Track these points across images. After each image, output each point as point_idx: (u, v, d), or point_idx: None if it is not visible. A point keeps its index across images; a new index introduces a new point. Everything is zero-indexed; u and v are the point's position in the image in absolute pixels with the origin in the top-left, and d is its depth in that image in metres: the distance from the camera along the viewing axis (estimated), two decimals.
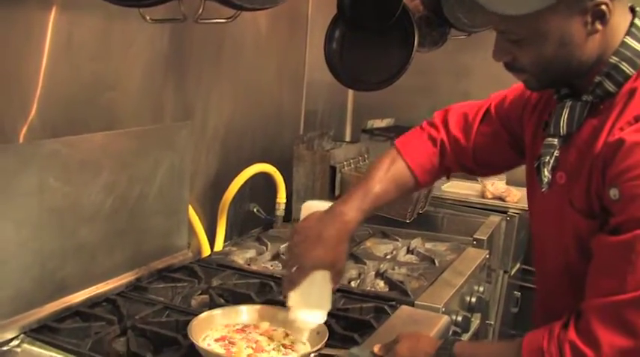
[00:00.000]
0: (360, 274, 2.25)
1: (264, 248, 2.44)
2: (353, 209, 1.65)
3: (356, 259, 2.35)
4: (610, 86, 1.36)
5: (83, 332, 1.77)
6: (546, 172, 1.46)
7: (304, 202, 2.79)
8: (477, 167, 1.83)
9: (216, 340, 1.65)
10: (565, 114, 1.42)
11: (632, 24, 1.37)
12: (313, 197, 2.82)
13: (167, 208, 2.19)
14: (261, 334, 1.71)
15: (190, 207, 2.33)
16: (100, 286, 1.96)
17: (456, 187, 3.45)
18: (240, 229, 2.72)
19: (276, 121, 2.99)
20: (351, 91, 3.67)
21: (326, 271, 1.63)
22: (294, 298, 1.67)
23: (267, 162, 2.69)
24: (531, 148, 1.60)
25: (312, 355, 1.57)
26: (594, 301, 1.30)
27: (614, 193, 1.27)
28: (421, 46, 2.99)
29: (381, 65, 2.84)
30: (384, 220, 2.86)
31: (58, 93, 1.87)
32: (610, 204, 1.30)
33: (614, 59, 1.36)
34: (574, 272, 1.44)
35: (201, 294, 2.04)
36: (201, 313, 1.76)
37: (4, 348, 1.68)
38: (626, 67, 1.35)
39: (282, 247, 2.42)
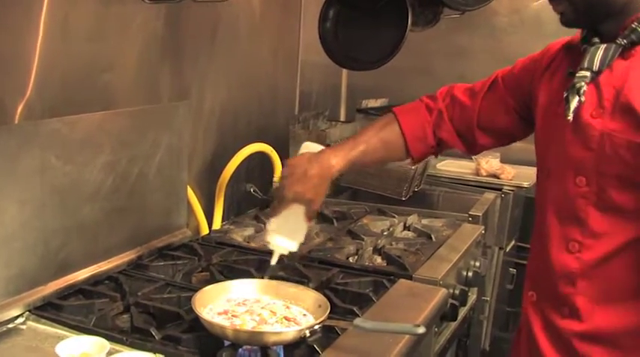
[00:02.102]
0: (357, 250, 2.27)
1: (263, 226, 2.46)
2: (339, 157, 1.81)
3: (353, 235, 2.38)
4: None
5: (87, 309, 1.79)
6: (575, 102, 1.51)
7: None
8: (477, 133, 1.88)
9: (219, 314, 1.68)
10: (599, 53, 1.50)
11: None
12: None
13: (166, 186, 2.21)
14: (262, 308, 1.73)
15: (188, 187, 2.35)
16: (102, 265, 1.99)
17: (451, 166, 3.48)
18: (238, 209, 2.74)
19: (272, 101, 3.00)
20: (345, 72, 3.69)
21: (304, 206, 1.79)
22: (273, 224, 1.83)
23: (262, 142, 2.71)
24: (547, 101, 1.68)
25: (316, 326, 1.60)
26: None
27: None
28: (415, 25, 3.01)
29: (375, 44, 2.86)
30: (380, 198, 2.89)
31: (55, 73, 1.88)
32: None
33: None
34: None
35: (201, 271, 2.07)
36: (202, 288, 1.78)
37: (10, 325, 1.70)
38: None
39: None
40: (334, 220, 2.57)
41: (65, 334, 1.65)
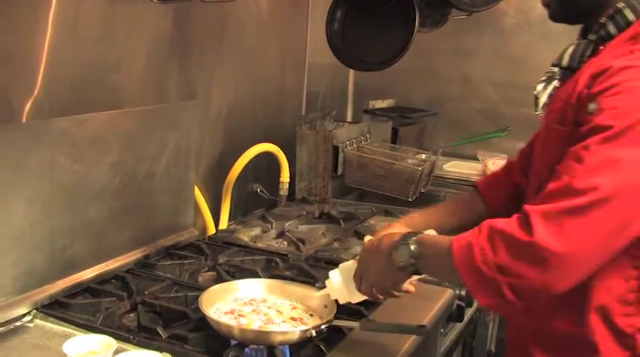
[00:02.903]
0: None
1: (269, 226, 2.47)
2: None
3: (360, 236, 2.38)
4: (612, 29, 1.41)
5: (94, 308, 1.79)
6: (545, 97, 1.49)
7: (307, 181, 2.83)
8: None
9: (226, 313, 1.68)
10: (570, 49, 1.48)
11: None
12: (316, 177, 2.85)
13: (173, 186, 2.21)
14: (269, 307, 1.73)
15: (195, 187, 2.36)
16: (109, 263, 1.99)
17: (458, 167, 3.48)
18: (244, 209, 2.74)
19: (279, 101, 3.01)
20: (352, 73, 3.69)
21: None
22: (345, 267, 1.67)
23: (269, 142, 2.71)
24: None
25: (323, 326, 1.60)
26: (538, 205, 1.29)
27: (592, 107, 1.30)
28: (422, 26, 3.01)
29: (382, 45, 2.85)
30: (387, 198, 2.89)
31: (63, 72, 1.89)
32: (585, 117, 1.32)
33: (620, 4, 1.40)
34: None
35: (208, 270, 2.07)
36: (209, 287, 1.78)
37: (17, 323, 1.71)
38: (628, 12, 1.40)
39: (287, 224, 2.45)
40: (341, 221, 2.57)
41: (72, 333, 1.66)
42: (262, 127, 2.84)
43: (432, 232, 1.56)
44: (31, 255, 1.76)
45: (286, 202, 2.81)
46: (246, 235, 2.39)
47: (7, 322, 1.69)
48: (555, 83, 1.49)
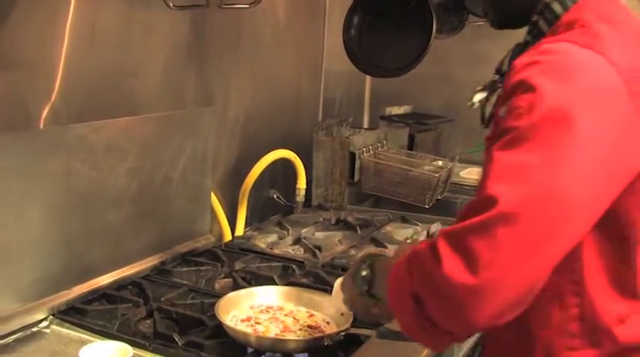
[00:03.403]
0: None
1: (286, 233, 2.46)
2: None
3: (377, 242, 2.37)
4: (543, 26, 1.30)
5: (110, 314, 1.79)
6: (489, 109, 1.43)
7: (324, 188, 2.83)
8: None
9: (242, 321, 1.68)
10: (510, 54, 1.40)
11: None
12: (332, 183, 2.85)
13: (190, 192, 2.21)
14: (286, 315, 1.73)
15: (212, 193, 2.35)
16: (126, 270, 1.99)
17: (475, 173, 3.46)
18: (261, 215, 2.74)
19: (295, 108, 3.00)
20: (368, 79, 3.68)
21: None
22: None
23: (286, 148, 2.71)
24: None
25: (340, 334, 1.59)
26: (449, 226, 1.16)
27: (502, 111, 1.18)
28: (439, 32, 3.00)
29: (399, 52, 2.85)
30: (403, 205, 2.88)
31: (81, 78, 1.89)
32: (500, 123, 1.18)
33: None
34: None
35: (224, 277, 2.07)
36: (225, 295, 1.78)
37: (34, 329, 1.71)
38: (556, 6, 1.28)
39: (304, 231, 2.44)
40: (357, 228, 2.56)
41: (89, 339, 1.66)
42: (279, 134, 2.84)
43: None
44: (48, 261, 1.76)
45: (303, 209, 2.80)
46: (262, 242, 2.39)
47: (23, 327, 1.69)
48: (500, 91, 1.38)
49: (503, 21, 1.43)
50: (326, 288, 1.92)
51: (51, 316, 1.75)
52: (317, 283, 2.00)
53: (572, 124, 1.07)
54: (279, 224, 2.58)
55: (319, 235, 2.49)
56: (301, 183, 2.78)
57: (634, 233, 1.20)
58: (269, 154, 2.61)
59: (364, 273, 1.40)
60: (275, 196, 2.80)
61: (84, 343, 1.61)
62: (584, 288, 1.21)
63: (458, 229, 1.10)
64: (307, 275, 2.07)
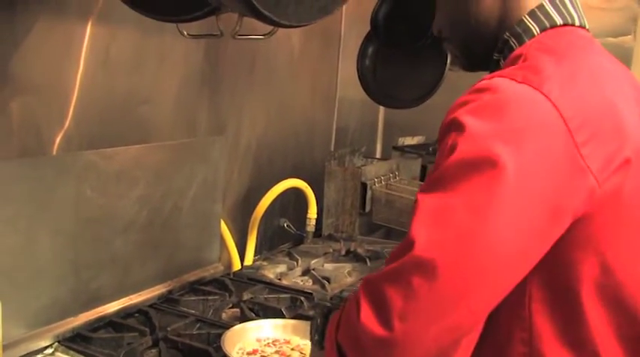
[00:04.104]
0: None
1: (295, 263, 2.45)
2: None
3: None
4: (502, 63, 1.25)
5: (116, 342, 1.78)
6: None
7: (335, 218, 2.81)
8: None
9: (249, 354, 1.66)
10: None
11: (540, 6, 1.22)
12: (343, 213, 2.83)
13: (200, 221, 2.20)
14: (292, 349, 1.71)
15: (222, 221, 2.34)
16: (133, 297, 1.98)
17: None
18: (270, 244, 2.73)
19: (308, 137, 3.00)
20: (382, 109, 3.67)
21: None
22: None
23: (298, 177, 2.70)
24: None
25: None
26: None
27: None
28: (453, 64, 2.99)
29: (414, 82, 2.83)
30: None
31: (94, 105, 1.89)
32: None
33: (506, 34, 1.23)
34: None
35: (232, 307, 2.05)
36: (232, 326, 1.76)
37: (39, 355, 1.71)
38: (513, 42, 1.22)
39: (313, 262, 2.43)
40: (367, 260, 2.54)
41: None
42: (291, 163, 2.83)
43: None
44: (55, 287, 1.75)
45: (313, 239, 2.78)
46: (271, 272, 2.37)
47: (29, 353, 1.69)
48: None
49: (472, 62, 1.37)
50: None
51: (56, 343, 1.75)
52: None
53: (499, 165, 0.98)
54: (289, 254, 2.56)
55: (328, 266, 2.48)
56: (312, 213, 2.77)
57: (579, 285, 1.08)
58: (280, 183, 2.60)
59: (317, 321, 1.30)
60: (285, 225, 2.79)
61: None
62: (532, 337, 1.12)
63: (376, 277, 1.03)
64: (315, 307, 2.05)
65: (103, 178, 1.84)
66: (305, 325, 1.80)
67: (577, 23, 1.21)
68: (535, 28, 1.20)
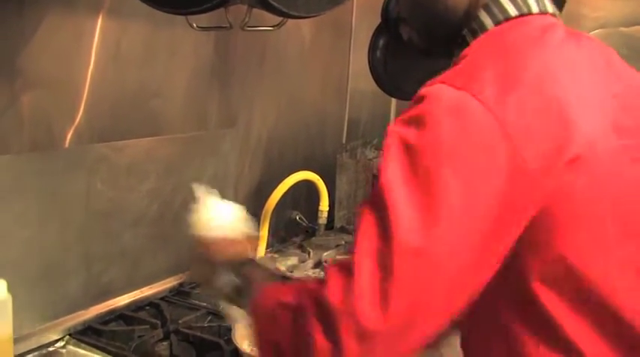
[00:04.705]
0: None
1: (307, 256, 2.45)
2: None
3: None
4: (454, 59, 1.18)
5: (127, 335, 1.78)
6: None
7: (347, 210, 2.80)
8: None
9: None
10: None
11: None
12: (356, 205, 2.82)
13: None
14: None
15: None
16: (144, 290, 1.99)
17: None
18: (282, 237, 2.72)
19: (319, 129, 2.99)
20: (393, 101, 3.65)
21: None
22: None
23: (309, 170, 2.69)
24: None
25: None
26: None
27: None
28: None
29: (425, 75, 2.80)
30: None
31: (105, 98, 1.89)
32: None
33: (464, 31, 1.18)
34: None
35: None
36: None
37: (50, 349, 1.71)
38: (470, 37, 1.17)
39: (325, 254, 2.42)
40: None
41: None
42: (302, 155, 2.82)
43: None
44: (66, 281, 1.76)
45: (325, 231, 2.78)
46: (282, 265, 2.37)
47: (39, 347, 1.70)
48: None
49: (429, 48, 1.30)
50: None
51: (67, 336, 1.76)
52: None
53: (435, 182, 0.96)
54: (301, 247, 2.56)
55: (340, 258, 2.47)
56: (324, 205, 2.76)
57: (542, 289, 1.05)
58: (291, 175, 2.59)
59: (237, 282, 1.26)
60: (297, 218, 2.79)
61: None
62: (514, 346, 1.09)
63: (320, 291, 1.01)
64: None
65: (114, 172, 1.84)
66: None
67: (535, 11, 1.14)
68: (485, 24, 1.15)
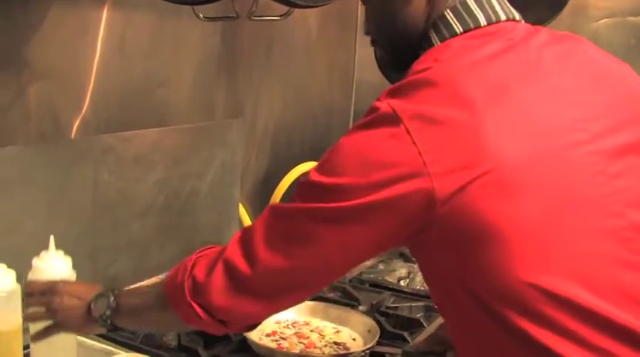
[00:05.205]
0: (409, 273, 2.24)
1: None
2: None
3: (405, 258, 2.34)
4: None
5: None
6: None
7: None
8: None
9: (267, 335, 1.66)
10: None
11: (442, 16, 1.17)
12: None
13: (218, 204, 2.20)
14: (311, 331, 1.71)
15: (240, 205, 2.34)
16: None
17: None
18: None
19: (326, 119, 2.98)
20: None
21: None
22: None
23: (316, 161, 2.68)
24: None
25: (366, 352, 1.57)
26: None
27: None
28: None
29: None
30: None
31: (111, 89, 1.89)
32: None
33: (423, 45, 1.19)
34: None
35: None
36: None
37: None
38: (434, 39, 1.17)
39: None
40: None
41: (113, 351, 1.65)
42: (309, 145, 2.82)
43: None
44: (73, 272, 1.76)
45: None
46: None
47: None
48: None
49: (399, 65, 1.26)
50: (353, 303, 1.91)
51: None
52: (344, 298, 1.98)
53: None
54: None
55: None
56: None
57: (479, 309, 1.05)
58: (298, 166, 2.59)
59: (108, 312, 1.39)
60: None
61: (108, 355, 1.60)
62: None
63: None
64: (334, 290, 2.05)
65: (121, 162, 1.84)
66: (324, 307, 1.80)
67: (477, 26, 1.14)
68: (436, 39, 1.16)
